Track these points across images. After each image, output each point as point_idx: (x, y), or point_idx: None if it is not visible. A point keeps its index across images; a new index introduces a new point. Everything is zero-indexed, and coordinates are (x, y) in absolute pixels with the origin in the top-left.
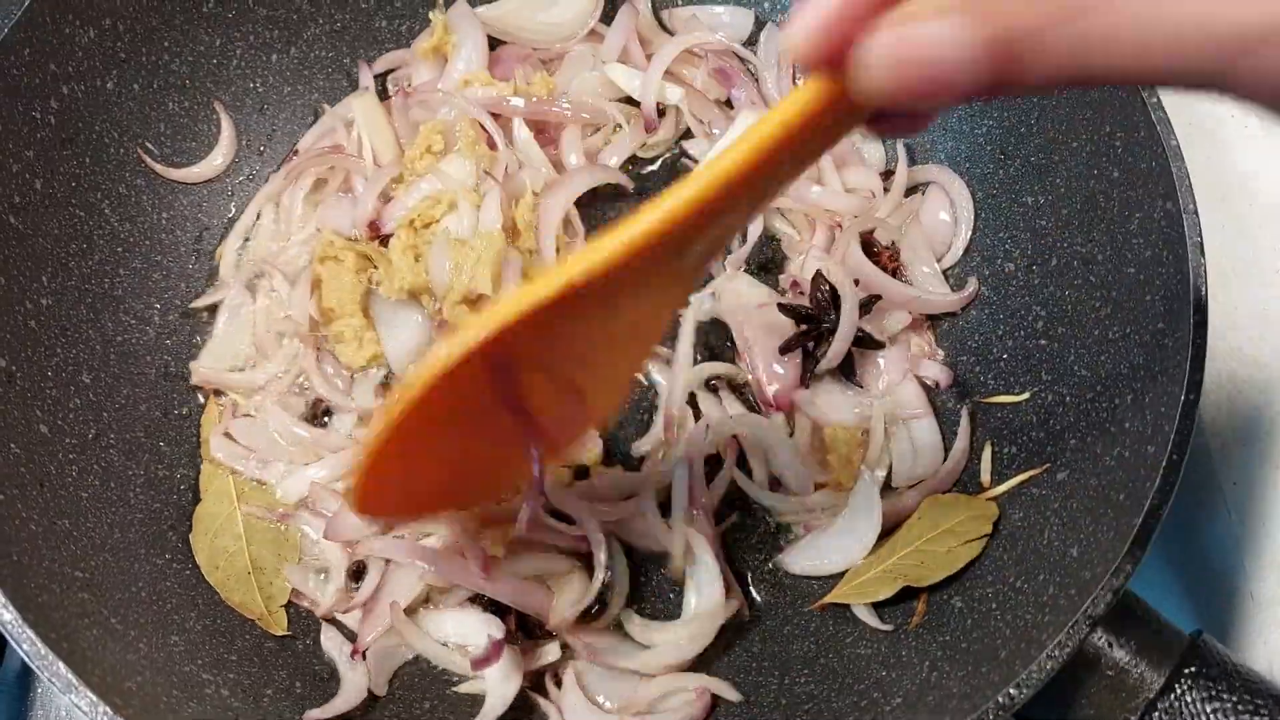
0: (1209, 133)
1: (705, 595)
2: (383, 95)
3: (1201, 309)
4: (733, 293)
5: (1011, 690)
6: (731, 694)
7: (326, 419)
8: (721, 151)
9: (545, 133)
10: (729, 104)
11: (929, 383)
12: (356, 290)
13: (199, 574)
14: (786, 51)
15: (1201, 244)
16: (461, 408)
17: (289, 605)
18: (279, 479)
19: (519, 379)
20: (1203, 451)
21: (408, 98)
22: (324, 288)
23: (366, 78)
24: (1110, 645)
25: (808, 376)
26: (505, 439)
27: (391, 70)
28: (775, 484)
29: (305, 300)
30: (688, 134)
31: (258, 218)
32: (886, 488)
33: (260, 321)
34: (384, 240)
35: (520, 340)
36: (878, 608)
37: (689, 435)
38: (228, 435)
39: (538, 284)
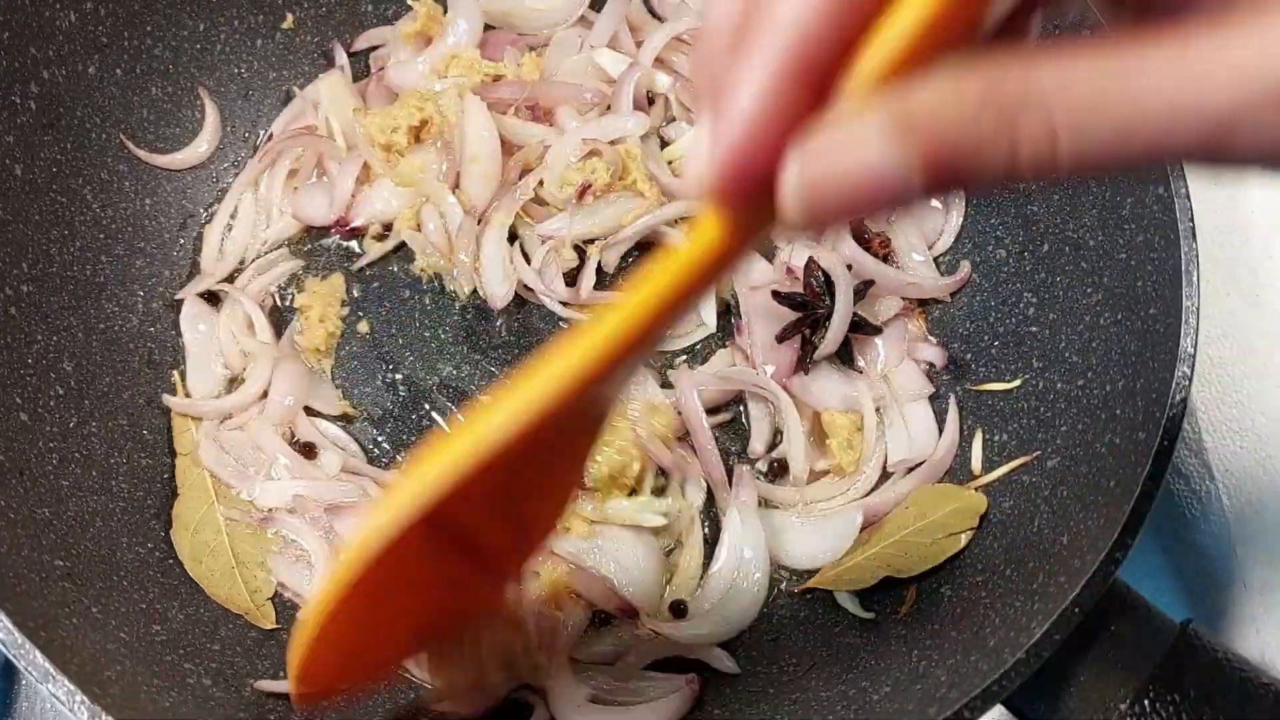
0: None
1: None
2: (365, 74)
3: (1194, 294)
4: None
5: (1000, 679)
6: (728, 663)
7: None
8: (630, 297)
9: (534, 111)
10: None
11: (924, 365)
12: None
13: (182, 563)
14: (694, 185)
15: (1194, 229)
16: (407, 565)
17: (275, 596)
18: (256, 489)
19: (461, 524)
20: (1195, 438)
21: (380, 78)
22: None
23: (341, 57)
24: (1099, 634)
25: (807, 362)
26: (458, 577)
27: (374, 48)
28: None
29: (265, 325)
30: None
31: (235, 208)
32: (882, 474)
33: (225, 340)
34: (354, 232)
35: (455, 497)
36: (866, 595)
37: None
38: (217, 442)
39: (462, 444)
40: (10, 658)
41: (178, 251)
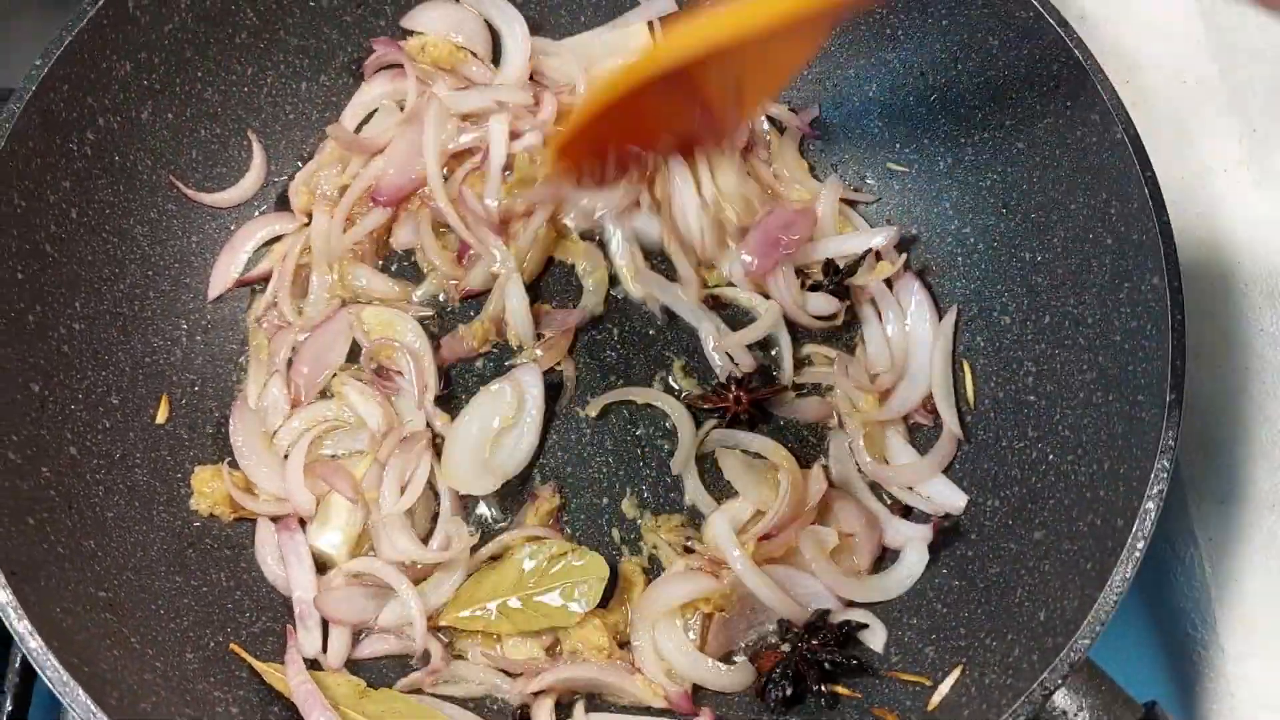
0: (1201, 184)
1: None
2: None
3: (1179, 389)
4: None
5: None
6: None
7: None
8: None
9: None
10: None
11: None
12: None
13: (216, 591)
14: None
15: (1183, 322)
16: (657, 94)
17: None
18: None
19: (697, 81)
20: (1180, 506)
21: None
22: None
23: None
24: (1066, 714)
25: None
26: (685, 116)
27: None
28: None
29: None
30: None
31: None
32: None
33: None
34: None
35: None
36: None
37: None
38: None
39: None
40: (57, 695)
41: None
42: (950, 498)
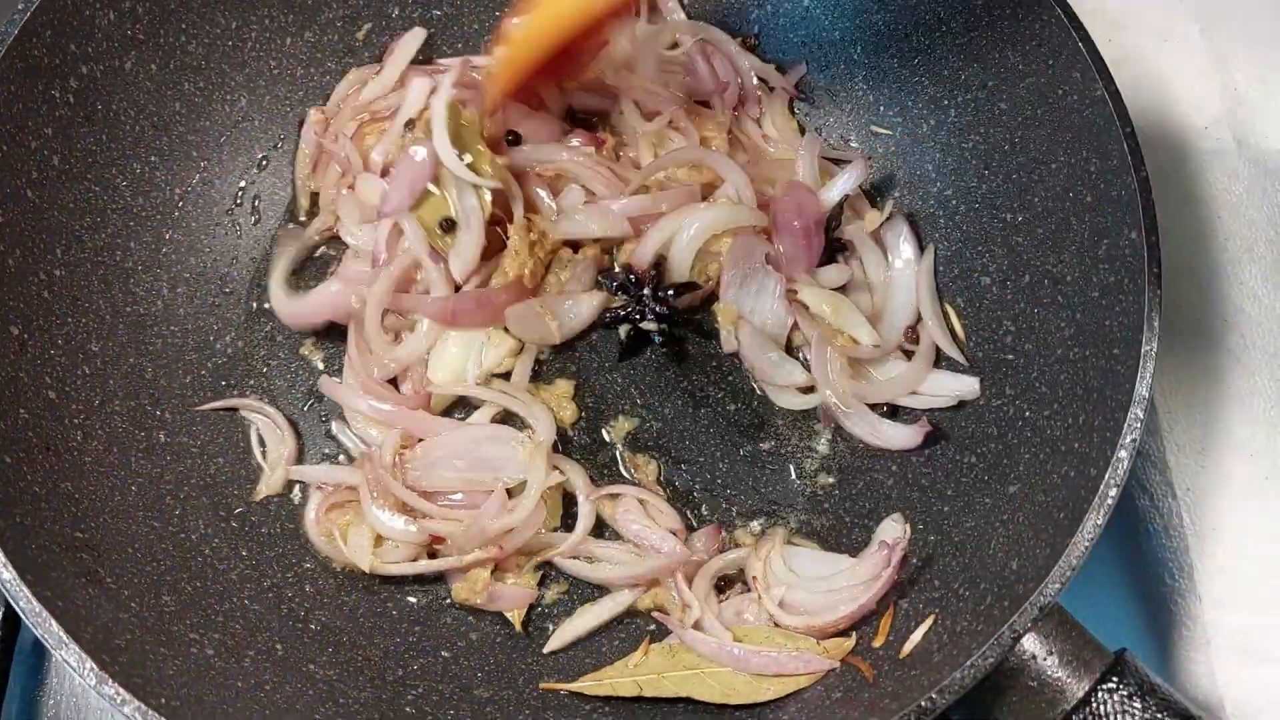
0: (1181, 142)
1: None
2: None
3: (1153, 340)
4: None
5: (934, 695)
6: None
7: None
8: None
9: None
10: None
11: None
12: None
13: (193, 537)
14: None
15: (1159, 275)
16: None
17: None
18: None
19: None
20: (1159, 457)
21: None
22: None
23: None
24: (1035, 658)
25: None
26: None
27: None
28: None
29: None
30: None
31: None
32: None
33: None
34: None
35: None
36: None
37: None
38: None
39: None
40: (28, 624)
41: (204, 239)
42: (959, 385)
